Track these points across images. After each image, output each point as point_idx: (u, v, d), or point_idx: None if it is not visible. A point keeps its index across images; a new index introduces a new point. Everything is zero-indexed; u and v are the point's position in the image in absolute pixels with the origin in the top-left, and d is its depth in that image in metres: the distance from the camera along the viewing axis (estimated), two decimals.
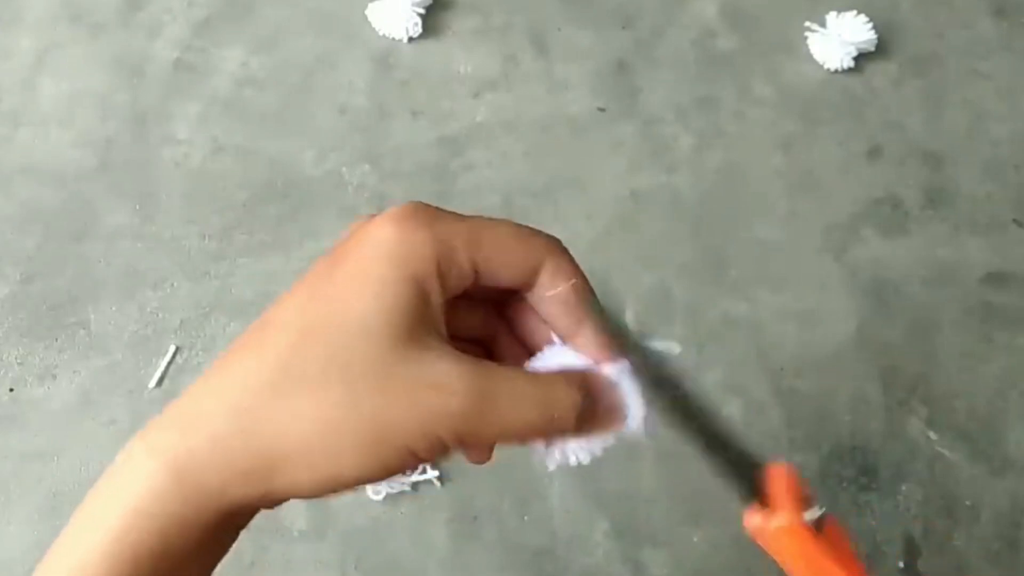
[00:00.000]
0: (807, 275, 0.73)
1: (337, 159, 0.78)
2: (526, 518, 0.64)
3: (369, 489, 0.64)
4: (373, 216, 0.28)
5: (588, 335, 0.31)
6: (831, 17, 0.83)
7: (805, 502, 0.30)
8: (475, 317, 0.32)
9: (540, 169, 0.78)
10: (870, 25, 0.83)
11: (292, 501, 0.28)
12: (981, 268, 0.75)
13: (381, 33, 0.84)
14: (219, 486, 0.26)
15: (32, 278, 0.72)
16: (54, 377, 0.68)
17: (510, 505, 0.65)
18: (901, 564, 0.63)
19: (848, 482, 0.66)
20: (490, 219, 0.29)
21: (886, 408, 0.68)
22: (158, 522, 0.26)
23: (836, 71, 0.83)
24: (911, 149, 0.80)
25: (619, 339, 0.31)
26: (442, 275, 0.27)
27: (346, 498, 0.64)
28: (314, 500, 0.65)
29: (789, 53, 0.85)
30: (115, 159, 0.78)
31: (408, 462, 0.27)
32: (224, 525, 0.27)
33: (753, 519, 0.29)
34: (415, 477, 0.64)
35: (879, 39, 0.83)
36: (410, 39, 0.84)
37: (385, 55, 0.84)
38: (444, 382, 0.26)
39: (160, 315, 0.71)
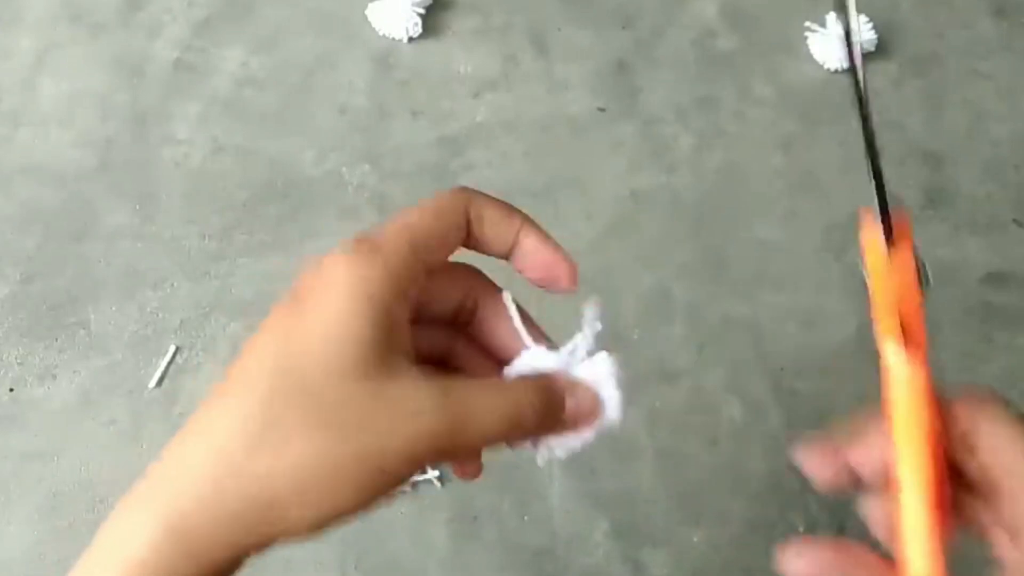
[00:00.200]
0: (807, 275, 0.73)
1: (337, 159, 0.78)
2: (526, 518, 0.64)
3: None
4: (320, 259, 0.29)
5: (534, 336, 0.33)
6: (831, 17, 0.83)
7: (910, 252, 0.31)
8: (435, 336, 0.34)
9: (540, 169, 0.78)
10: (870, 25, 0.83)
11: None
12: (981, 268, 0.75)
13: (381, 33, 0.84)
14: (216, 537, 0.26)
15: (32, 278, 0.72)
16: (54, 377, 0.68)
17: (510, 505, 0.65)
18: None
19: None
20: (424, 205, 0.30)
21: None
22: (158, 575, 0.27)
23: (836, 71, 0.83)
24: (911, 149, 0.80)
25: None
26: (403, 291, 0.29)
27: None
28: None
29: (789, 53, 0.85)
30: (115, 159, 0.78)
31: (397, 485, 0.28)
32: (223, 570, 0.27)
33: (874, 234, 0.30)
34: (415, 477, 0.64)
35: (879, 39, 0.83)
36: (410, 39, 0.84)
37: (385, 55, 0.84)
38: (420, 407, 0.27)
39: (160, 315, 0.71)
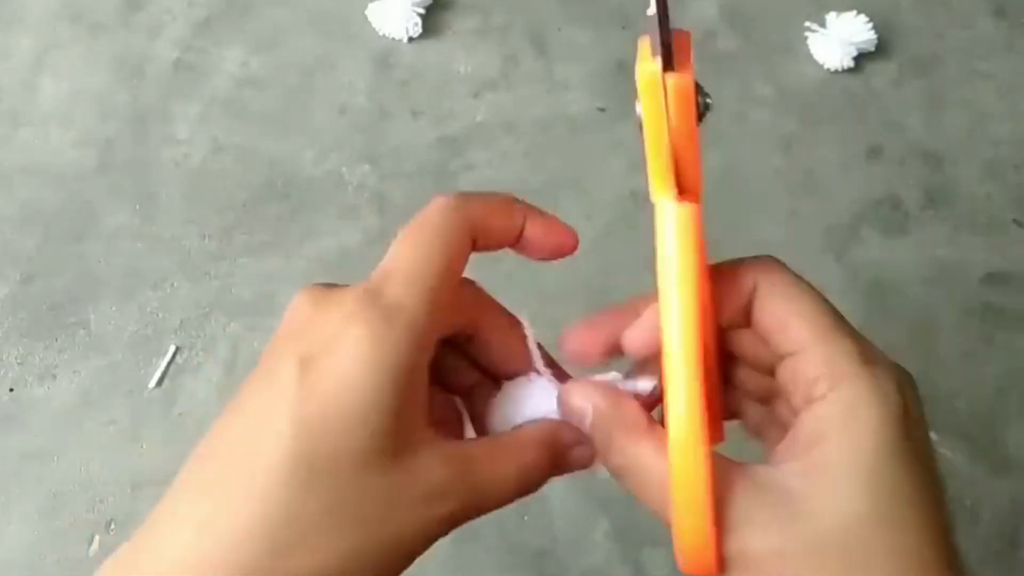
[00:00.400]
0: (807, 275, 0.73)
1: (337, 159, 0.78)
2: (526, 518, 0.64)
3: None
4: (319, 303, 0.27)
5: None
6: (831, 17, 0.83)
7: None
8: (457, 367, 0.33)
9: (540, 169, 0.78)
10: (870, 25, 0.82)
11: None
12: (981, 268, 0.75)
13: (381, 33, 0.84)
14: None
15: (32, 278, 0.72)
16: (54, 377, 0.68)
17: (510, 505, 0.65)
18: None
19: None
20: (424, 222, 0.29)
21: None
22: None
23: (836, 71, 0.83)
24: (911, 149, 0.80)
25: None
26: (425, 352, 0.27)
27: None
28: None
29: (789, 53, 0.85)
30: (115, 159, 0.78)
31: (411, 562, 0.28)
32: None
33: (649, 64, 0.26)
34: None
35: (879, 39, 0.83)
36: (410, 39, 0.84)
37: (385, 55, 0.84)
38: (439, 491, 0.27)
39: (160, 315, 0.71)
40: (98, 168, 0.77)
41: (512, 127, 0.80)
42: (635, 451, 0.28)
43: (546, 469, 0.30)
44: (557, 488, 0.65)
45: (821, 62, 0.83)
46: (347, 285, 0.28)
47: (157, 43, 0.84)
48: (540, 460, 0.30)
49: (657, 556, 0.63)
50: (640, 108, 0.26)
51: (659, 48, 0.25)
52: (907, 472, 0.25)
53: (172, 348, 0.69)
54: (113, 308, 0.71)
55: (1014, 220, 0.77)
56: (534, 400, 0.32)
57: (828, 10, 0.84)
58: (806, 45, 0.84)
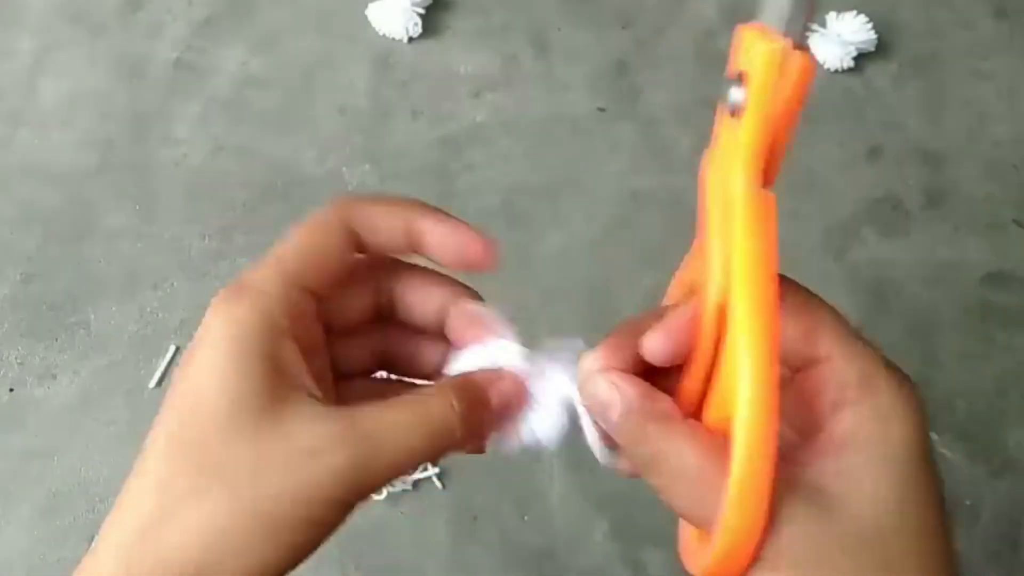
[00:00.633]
0: (807, 275, 0.72)
1: (337, 159, 0.78)
2: (526, 518, 0.64)
3: None
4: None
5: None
6: (831, 17, 0.83)
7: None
8: (371, 343, 0.33)
9: (540, 169, 0.78)
10: (870, 25, 0.82)
11: None
12: (981, 268, 0.75)
13: (381, 33, 0.84)
14: None
15: (32, 278, 0.72)
16: (54, 377, 0.68)
17: (510, 505, 0.65)
18: None
19: None
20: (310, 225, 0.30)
21: None
22: None
23: (836, 71, 0.83)
24: (911, 149, 0.80)
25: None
26: (281, 328, 0.28)
27: None
28: None
29: None
30: (115, 159, 0.78)
31: (319, 532, 0.27)
32: None
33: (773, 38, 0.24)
34: (416, 476, 0.64)
35: (879, 39, 0.83)
36: (410, 39, 0.84)
37: (385, 55, 0.84)
38: (318, 446, 0.26)
39: (160, 315, 0.71)
40: (98, 168, 0.77)
41: (512, 127, 0.80)
42: (669, 445, 0.27)
43: (465, 414, 0.28)
44: (557, 488, 0.65)
45: (821, 62, 0.83)
46: None
47: (157, 43, 0.84)
48: (444, 405, 0.28)
49: (657, 556, 0.63)
50: (739, 92, 0.25)
51: (796, 24, 0.24)
52: (930, 481, 0.26)
53: (172, 348, 0.69)
54: (113, 308, 0.71)
55: (1014, 220, 0.77)
56: (487, 362, 0.31)
57: (828, 10, 0.84)
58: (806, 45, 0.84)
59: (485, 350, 0.31)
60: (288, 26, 0.85)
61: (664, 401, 0.28)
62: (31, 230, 0.74)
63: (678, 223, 0.76)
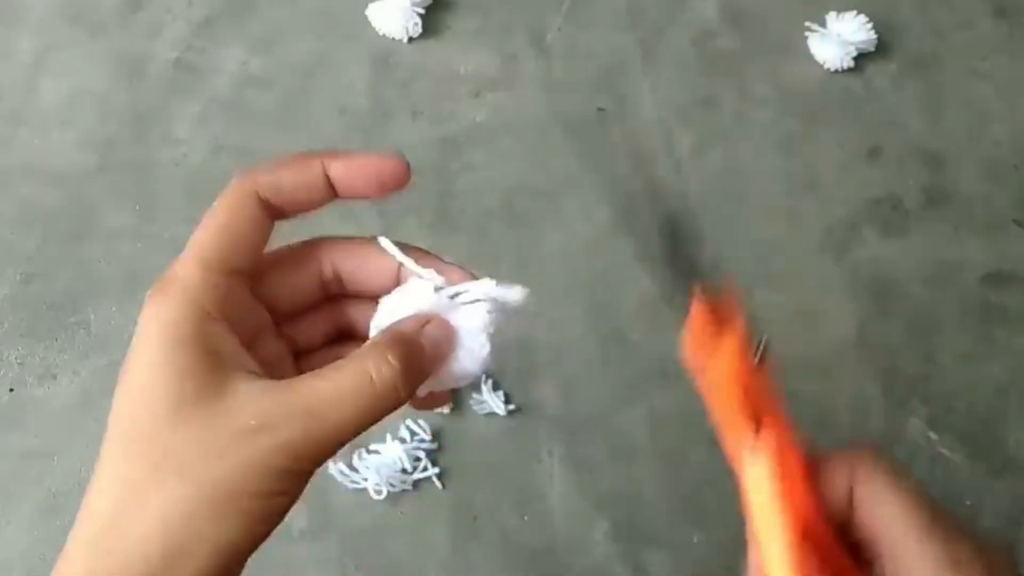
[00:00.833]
0: (807, 275, 0.73)
1: None
2: (526, 518, 0.64)
3: (370, 488, 0.64)
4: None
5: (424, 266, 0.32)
6: (831, 17, 0.83)
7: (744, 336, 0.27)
8: (325, 321, 0.34)
9: (540, 169, 0.78)
10: (870, 25, 0.82)
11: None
12: (981, 268, 0.75)
13: (381, 33, 0.84)
14: None
15: (32, 278, 0.72)
16: (54, 377, 0.68)
17: (510, 505, 0.65)
18: None
19: None
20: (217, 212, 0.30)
21: (886, 409, 0.68)
22: None
23: (836, 71, 0.83)
24: (911, 149, 0.80)
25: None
26: (207, 312, 0.28)
27: (346, 498, 0.64)
28: (313, 498, 0.65)
29: (789, 53, 0.84)
30: (115, 159, 0.78)
31: (280, 502, 0.27)
32: None
33: (694, 338, 0.26)
34: (416, 476, 0.64)
35: (879, 39, 0.83)
36: (410, 39, 0.84)
37: (385, 55, 0.84)
38: (262, 421, 0.27)
39: None
40: (98, 168, 0.77)
41: (512, 127, 0.80)
42: None
43: (402, 369, 0.28)
44: (557, 488, 0.65)
45: (821, 62, 0.83)
46: None
47: (157, 43, 0.84)
48: (380, 362, 0.28)
49: (657, 556, 0.63)
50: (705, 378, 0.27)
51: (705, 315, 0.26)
52: None
53: None
54: (113, 308, 0.71)
55: (1014, 220, 0.77)
56: (406, 305, 0.31)
57: (828, 10, 0.84)
58: (806, 45, 0.84)
59: (406, 295, 0.31)
60: (288, 26, 0.85)
61: None
62: (31, 230, 0.74)
63: None
